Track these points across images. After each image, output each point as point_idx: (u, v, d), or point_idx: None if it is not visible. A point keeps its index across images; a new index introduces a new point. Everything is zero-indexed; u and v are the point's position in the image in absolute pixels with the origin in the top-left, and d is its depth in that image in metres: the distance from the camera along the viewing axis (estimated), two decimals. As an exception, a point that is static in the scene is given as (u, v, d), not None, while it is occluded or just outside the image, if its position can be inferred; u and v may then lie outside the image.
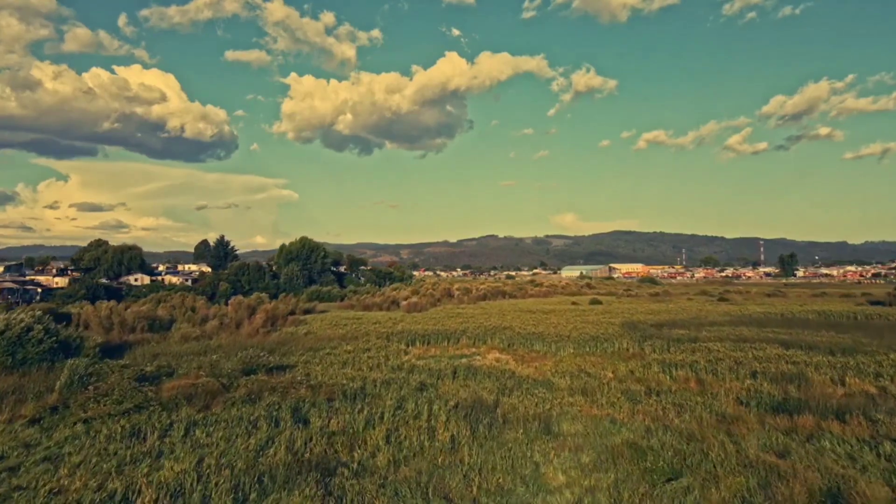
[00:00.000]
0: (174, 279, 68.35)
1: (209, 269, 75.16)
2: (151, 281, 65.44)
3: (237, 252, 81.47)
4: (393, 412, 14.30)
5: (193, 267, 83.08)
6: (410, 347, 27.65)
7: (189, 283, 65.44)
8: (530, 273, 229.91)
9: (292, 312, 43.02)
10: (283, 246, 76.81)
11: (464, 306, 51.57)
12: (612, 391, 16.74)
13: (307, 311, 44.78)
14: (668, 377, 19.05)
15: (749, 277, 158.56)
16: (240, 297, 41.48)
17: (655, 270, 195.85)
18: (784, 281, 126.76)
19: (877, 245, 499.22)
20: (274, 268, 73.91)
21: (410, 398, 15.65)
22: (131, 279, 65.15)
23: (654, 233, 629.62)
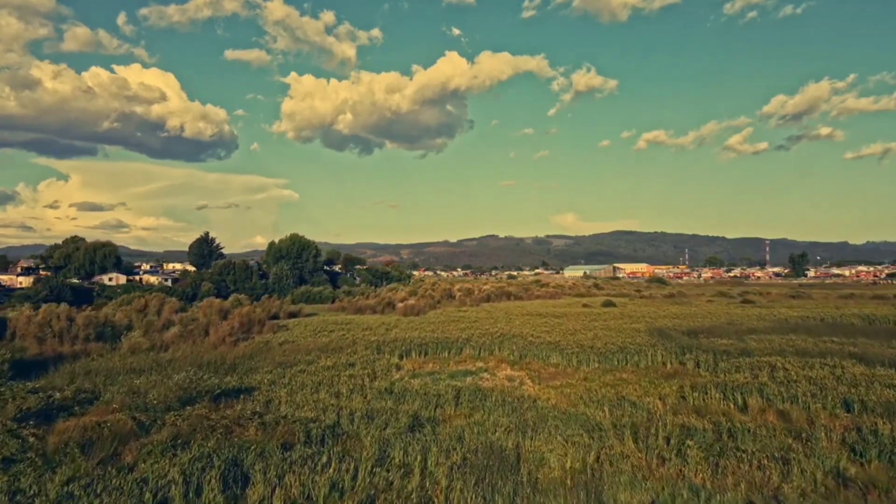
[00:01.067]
0: (153, 279, 63.88)
1: (194, 269, 70.74)
2: (128, 281, 60.97)
3: (223, 249, 76.59)
4: (371, 468, 10.05)
5: (178, 266, 78.64)
6: (404, 360, 23.39)
7: (169, 283, 61.11)
8: (532, 273, 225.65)
9: (275, 316, 38.73)
10: (272, 243, 71.99)
11: (466, 309, 47.25)
12: (671, 430, 12.43)
13: (292, 315, 40.47)
14: (733, 407, 14.75)
15: (759, 278, 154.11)
16: (212, 298, 37.31)
17: (660, 270, 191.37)
18: (798, 281, 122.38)
19: (878, 245, 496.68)
20: (263, 267, 69.57)
21: (398, 443, 11.40)
22: (105, 279, 60.60)
23: (655, 233, 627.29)
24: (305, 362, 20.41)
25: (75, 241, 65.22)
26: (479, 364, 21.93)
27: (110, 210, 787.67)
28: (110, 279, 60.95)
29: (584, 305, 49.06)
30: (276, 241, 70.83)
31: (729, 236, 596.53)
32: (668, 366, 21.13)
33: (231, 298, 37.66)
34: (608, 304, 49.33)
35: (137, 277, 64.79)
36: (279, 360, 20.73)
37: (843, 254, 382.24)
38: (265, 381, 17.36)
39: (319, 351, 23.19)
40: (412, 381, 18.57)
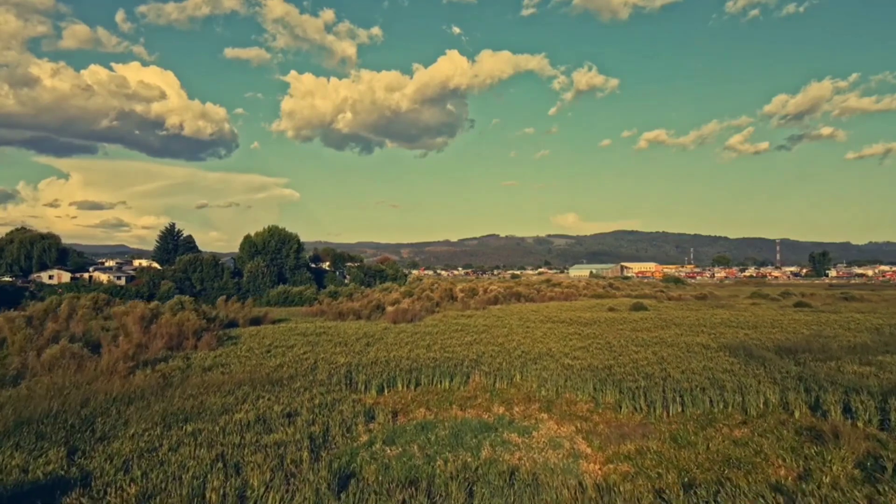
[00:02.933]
0: (103, 277, 55.81)
1: (157, 265, 62.50)
2: (72, 279, 53.07)
3: (192, 243, 68.17)
4: None
5: (145, 262, 70.53)
6: (385, 393, 15.71)
7: (123, 281, 53.19)
8: (536, 272, 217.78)
9: (232, 323, 30.97)
10: (247, 237, 63.53)
11: (470, 313, 39.46)
12: None
13: (255, 321, 32.66)
14: None
15: (776, 277, 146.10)
16: (136, 301, 29.55)
17: (669, 270, 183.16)
18: (827, 281, 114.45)
19: (881, 245, 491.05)
20: (238, 263, 61.56)
21: None
22: (45, 276, 52.68)
23: (657, 233, 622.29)
24: (217, 411, 12.59)
25: (14, 233, 57.07)
26: (499, 409, 14.12)
27: (111, 209, 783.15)
28: (51, 277, 52.89)
29: (611, 309, 41.27)
30: (252, 234, 62.52)
31: (731, 236, 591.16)
32: (797, 413, 13.41)
33: (173, 300, 29.93)
34: (639, 307, 41.53)
35: (86, 275, 56.65)
36: (176, 405, 12.90)
37: (845, 254, 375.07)
38: (119, 457, 9.55)
39: (254, 384, 15.38)
40: (388, 449, 10.82)
